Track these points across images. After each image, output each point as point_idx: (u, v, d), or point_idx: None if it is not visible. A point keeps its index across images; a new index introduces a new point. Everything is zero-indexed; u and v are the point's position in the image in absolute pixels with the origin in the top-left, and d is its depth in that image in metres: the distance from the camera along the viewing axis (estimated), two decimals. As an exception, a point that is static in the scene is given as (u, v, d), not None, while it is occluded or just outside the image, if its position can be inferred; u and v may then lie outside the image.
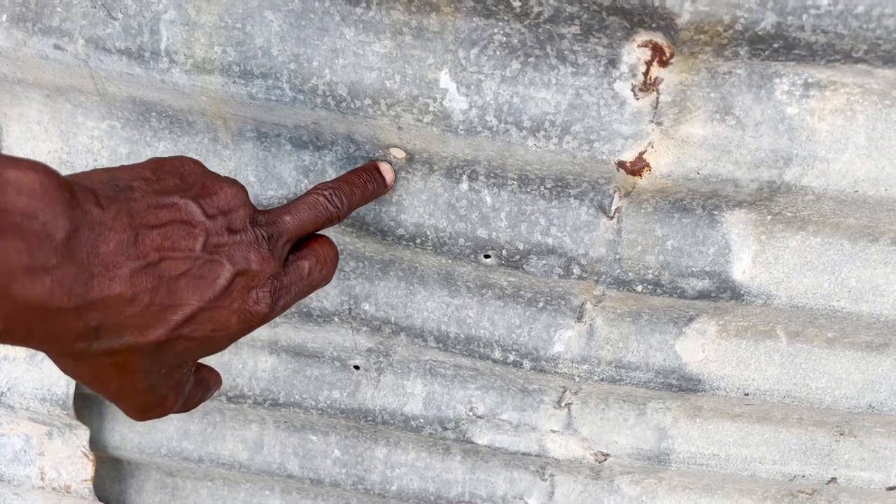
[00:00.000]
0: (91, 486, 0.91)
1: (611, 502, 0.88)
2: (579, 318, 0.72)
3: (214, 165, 0.67)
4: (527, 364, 0.75)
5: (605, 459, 0.82)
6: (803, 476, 0.81)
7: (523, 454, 0.84)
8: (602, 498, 0.88)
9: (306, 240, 0.48)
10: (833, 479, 0.81)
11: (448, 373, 0.81)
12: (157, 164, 0.38)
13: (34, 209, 0.28)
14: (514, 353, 0.75)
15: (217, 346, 0.39)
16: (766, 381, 0.72)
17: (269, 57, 0.58)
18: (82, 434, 0.89)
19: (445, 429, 0.83)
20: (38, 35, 0.59)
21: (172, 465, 0.95)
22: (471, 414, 0.82)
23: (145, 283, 0.33)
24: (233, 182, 0.41)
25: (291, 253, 0.45)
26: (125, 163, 0.68)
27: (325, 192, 0.48)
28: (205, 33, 0.58)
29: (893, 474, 0.80)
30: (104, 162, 0.68)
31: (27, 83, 0.65)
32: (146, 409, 0.40)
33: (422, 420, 0.83)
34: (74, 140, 0.68)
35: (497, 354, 0.75)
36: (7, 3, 0.59)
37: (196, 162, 0.40)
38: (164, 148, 0.67)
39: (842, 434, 0.79)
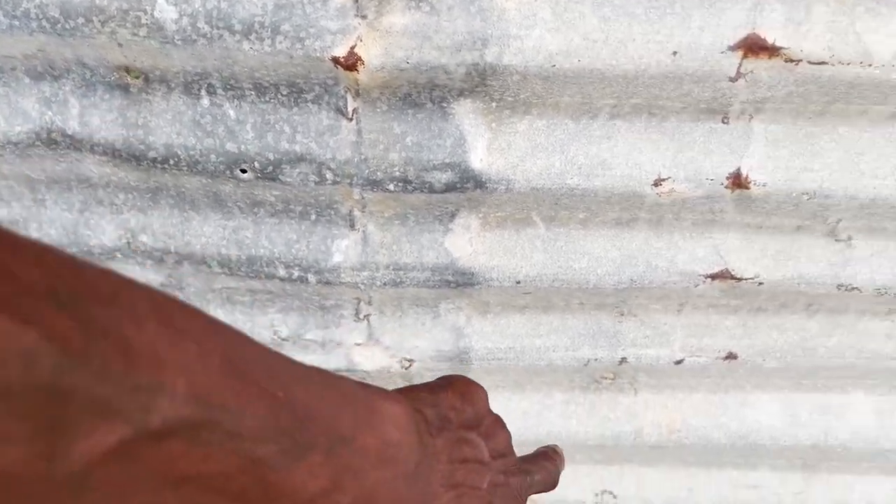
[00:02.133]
0: None
1: (430, 410, 0.92)
2: (352, 227, 0.75)
3: (-46, 105, 0.67)
4: (312, 278, 0.78)
5: (411, 365, 0.86)
6: (596, 359, 0.86)
7: (335, 370, 0.87)
8: (421, 407, 0.92)
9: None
10: (624, 360, 0.86)
11: (245, 299, 0.83)
12: (462, 391, 0.44)
13: (403, 441, 0.34)
14: (297, 268, 0.77)
15: None
16: (533, 268, 0.76)
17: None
18: None
19: (254, 355, 0.85)
20: None
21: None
22: (276, 338, 0.84)
23: None
24: (503, 425, 0.47)
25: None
26: None
27: (553, 468, 0.54)
28: None
29: (677, 348, 0.86)
30: None
31: None
32: None
33: (229, 349, 0.85)
34: None
35: (282, 272, 0.77)
36: None
37: (485, 394, 0.46)
38: None
39: (622, 314, 0.84)
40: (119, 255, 0.78)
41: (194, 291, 0.82)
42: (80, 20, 0.59)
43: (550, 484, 0.55)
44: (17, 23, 0.60)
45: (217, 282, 0.80)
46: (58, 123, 0.67)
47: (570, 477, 1.00)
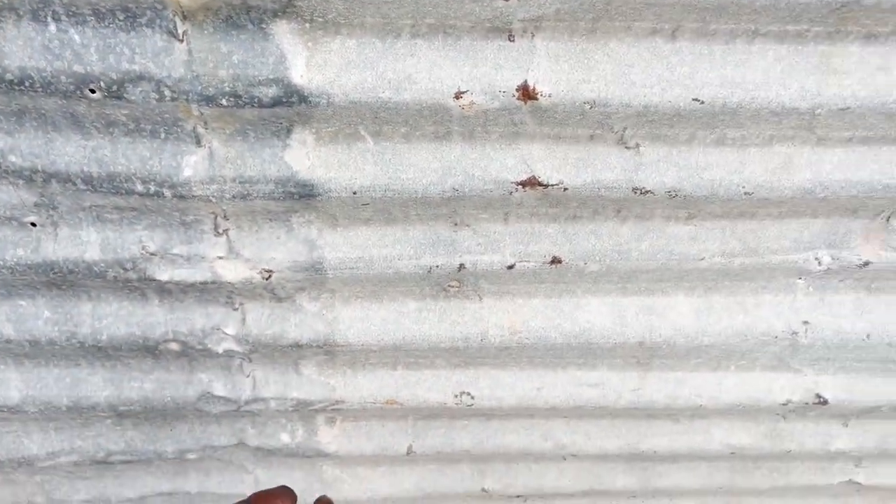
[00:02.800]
0: None
1: (296, 320, 1.02)
2: (198, 143, 0.84)
3: None
4: (167, 193, 0.87)
5: (270, 276, 0.95)
6: (437, 266, 0.97)
7: (202, 283, 0.96)
8: (288, 317, 1.02)
9: None
10: (462, 266, 0.97)
11: (114, 217, 0.92)
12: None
13: None
14: (153, 183, 0.86)
15: None
16: (366, 179, 0.87)
17: None
18: None
19: (126, 270, 0.95)
20: None
21: None
22: (145, 252, 0.93)
23: None
24: None
25: None
26: None
27: None
28: None
29: (508, 254, 0.97)
30: None
31: None
32: None
33: (103, 265, 0.94)
34: None
35: (140, 187, 0.86)
36: None
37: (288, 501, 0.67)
38: None
39: (456, 224, 0.94)
40: (-9, 176, 0.87)
41: (66, 210, 0.91)
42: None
43: None
44: None
45: (85, 199, 0.89)
46: (-81, 49, 0.75)
47: (431, 381, 1.12)
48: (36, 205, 0.90)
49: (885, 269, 1.03)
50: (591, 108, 0.80)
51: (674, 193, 0.89)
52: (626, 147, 0.86)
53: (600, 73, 0.79)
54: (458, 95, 0.79)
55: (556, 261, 0.97)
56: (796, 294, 1.06)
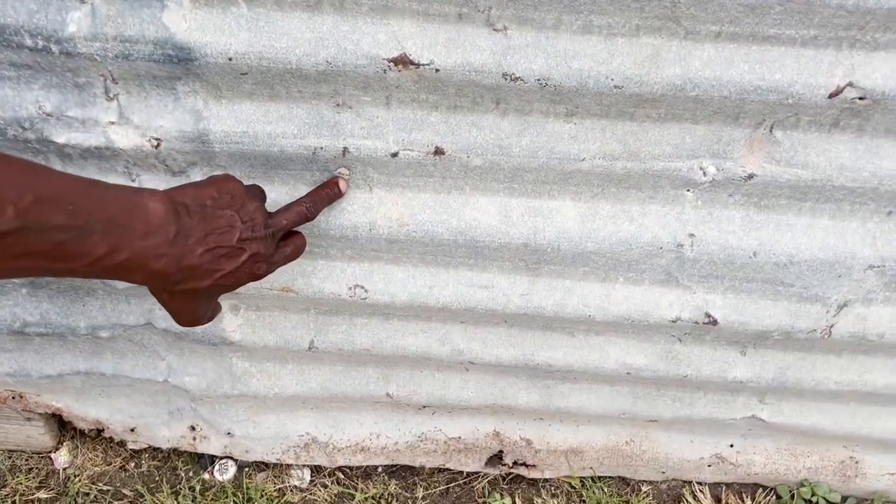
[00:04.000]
0: None
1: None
2: (82, 0, 0.88)
3: None
4: (55, 48, 0.91)
5: (159, 144, 0.99)
6: (321, 148, 1.00)
7: (97, 148, 1.00)
8: (182, 192, 1.06)
9: (290, 232, 0.88)
10: (346, 150, 1.00)
11: (11, 74, 0.96)
12: (219, 185, 0.72)
13: (161, 223, 0.60)
14: (40, 38, 0.90)
15: (236, 287, 0.73)
16: (241, 46, 0.90)
17: None
18: None
19: (25, 129, 0.99)
20: None
21: None
22: (42, 112, 0.98)
23: (207, 259, 0.65)
24: (256, 197, 0.80)
25: (281, 240, 0.84)
26: None
27: (307, 205, 0.90)
28: None
29: (391, 141, 1.00)
30: None
31: None
32: (194, 321, 0.75)
33: (2, 122, 0.99)
34: None
35: (29, 42, 0.91)
36: None
37: (238, 184, 0.76)
38: None
39: (339, 106, 0.97)
40: None
41: (-34, 64, 0.95)
42: None
43: (298, 253, 0.89)
44: None
45: (-19, 53, 0.94)
46: None
47: (326, 271, 1.15)
48: (-63, 56, 0.95)
49: (771, 183, 1.03)
50: (451, -19, 0.82)
51: (544, 83, 0.91)
52: (494, 29, 0.88)
53: (458, -56, 0.81)
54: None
55: (438, 151, 1.00)
56: (684, 206, 1.07)
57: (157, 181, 1.06)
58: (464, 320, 1.21)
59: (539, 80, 0.91)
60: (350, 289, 1.15)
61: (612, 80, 0.91)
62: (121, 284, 1.17)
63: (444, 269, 1.14)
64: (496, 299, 1.14)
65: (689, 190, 1.05)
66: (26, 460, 1.52)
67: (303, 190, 1.06)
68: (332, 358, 1.29)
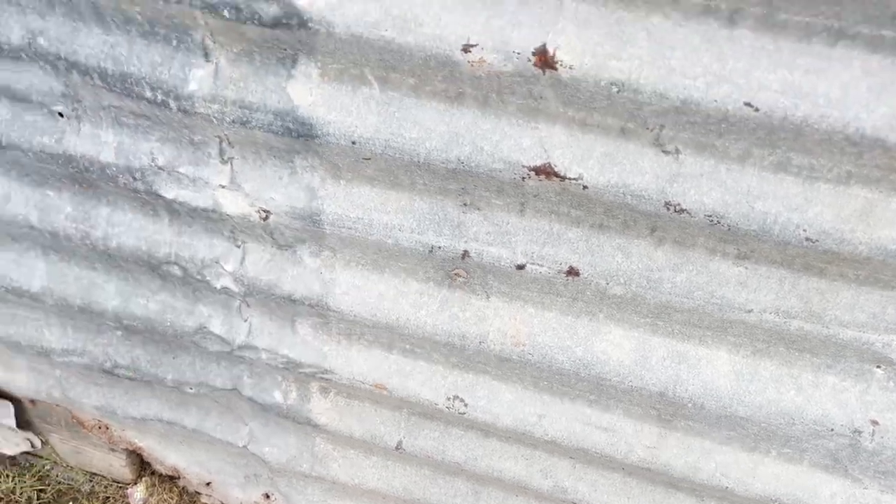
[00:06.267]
0: None
1: (294, 272, 0.97)
2: (206, 58, 0.80)
3: None
4: (172, 104, 0.84)
5: (268, 217, 0.90)
6: (440, 247, 0.87)
7: (204, 210, 0.93)
8: (286, 267, 0.97)
9: None
10: (466, 253, 0.87)
11: (130, 122, 0.90)
12: None
13: None
14: (160, 91, 0.84)
15: None
16: (367, 129, 0.79)
17: None
18: None
19: (135, 178, 0.93)
20: None
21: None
22: (154, 164, 0.91)
23: None
24: None
25: None
26: None
27: None
28: None
29: (519, 252, 0.86)
30: None
31: None
32: None
33: (115, 168, 0.93)
34: None
35: (148, 93, 0.84)
36: None
37: None
38: None
39: (466, 205, 0.84)
40: (24, 56, 0.88)
41: (89, 106, 0.91)
42: None
43: None
44: None
45: (104, 98, 0.88)
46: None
47: (425, 375, 1.02)
48: (63, 95, 0.90)
49: None
50: (619, 91, 0.67)
51: (715, 220, 0.73)
52: (663, 151, 0.72)
53: (635, 50, 0.66)
54: (466, 48, 0.69)
55: (573, 272, 0.85)
56: (870, 385, 0.86)
57: (262, 252, 0.97)
58: (574, 457, 1.03)
59: (710, 216, 0.74)
60: (448, 399, 1.01)
61: (805, 231, 0.72)
62: (213, 346, 1.09)
63: (559, 400, 0.97)
64: (617, 445, 0.97)
65: (879, 367, 0.84)
66: (105, 487, 1.49)
67: (413, 287, 0.94)
68: (419, 461, 1.15)
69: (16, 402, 1.39)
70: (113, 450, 1.45)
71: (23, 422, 1.43)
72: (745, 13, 0.63)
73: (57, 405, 1.36)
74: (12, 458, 1.56)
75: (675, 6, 0.64)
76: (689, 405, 0.90)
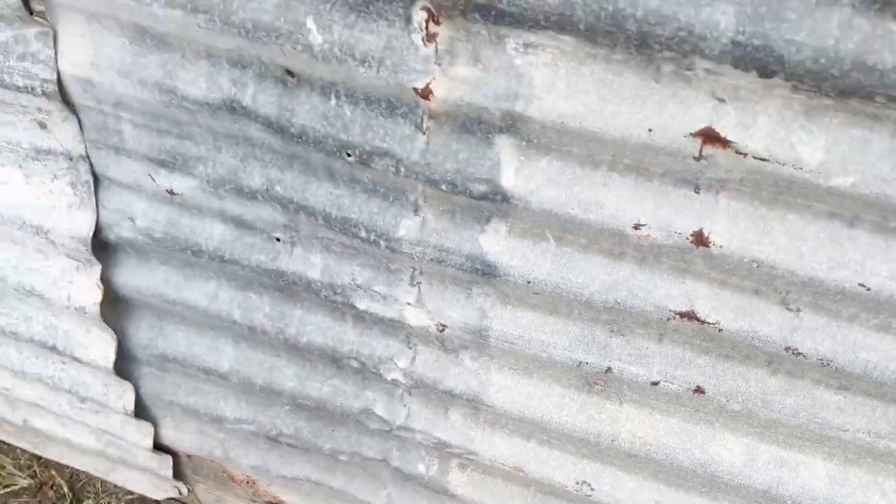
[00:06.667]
0: (98, 307, 1.28)
1: (455, 372, 1.17)
2: (416, 212, 1.02)
3: (183, 74, 1.02)
4: (382, 243, 1.06)
5: (444, 329, 1.12)
6: (587, 363, 1.07)
7: (390, 319, 1.15)
8: (449, 367, 1.18)
9: None
10: (609, 369, 1.07)
11: (337, 250, 1.13)
12: None
13: None
14: (373, 233, 1.06)
15: None
16: (541, 273, 1.00)
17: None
18: (96, 269, 1.27)
19: (336, 293, 1.15)
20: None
21: (157, 305, 1.31)
22: (353, 283, 1.13)
23: None
24: None
25: None
26: (130, 67, 1.04)
27: None
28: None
29: (655, 372, 1.06)
30: (118, 64, 1.05)
31: (74, 8, 1.02)
32: None
33: (319, 284, 1.15)
34: (100, 50, 1.05)
35: (363, 234, 1.06)
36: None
37: None
38: (154, 60, 1.03)
39: (613, 332, 1.05)
40: (259, 198, 1.11)
41: (304, 235, 1.13)
42: (263, 33, 0.92)
43: None
44: (226, 27, 0.93)
45: (320, 232, 1.11)
46: (238, 97, 1.01)
47: (557, 462, 1.21)
48: (284, 226, 1.13)
49: None
50: (758, 266, 0.88)
51: (826, 363, 0.93)
52: (787, 308, 0.92)
53: (773, 239, 0.86)
54: (637, 227, 0.90)
55: (699, 390, 1.04)
56: (945, 495, 1.04)
57: (431, 353, 1.18)
58: (681, 537, 1.22)
59: (821, 360, 0.93)
60: (577, 483, 1.20)
61: (900, 376, 0.91)
62: (373, 425, 1.29)
63: (675, 490, 1.16)
64: (722, 531, 1.15)
65: (954, 480, 1.02)
66: (239, 535, 1.69)
67: (556, 391, 1.14)
68: (540, 531, 1.34)
69: (174, 455, 1.60)
70: (254, 502, 1.65)
71: (176, 472, 1.64)
72: (862, 219, 0.83)
73: (211, 461, 1.58)
74: (157, 502, 1.77)
75: (808, 209, 0.85)
76: (789, 502, 1.08)
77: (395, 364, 1.19)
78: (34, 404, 1.59)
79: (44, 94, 1.10)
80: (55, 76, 1.08)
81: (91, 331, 1.35)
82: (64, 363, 1.45)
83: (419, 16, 0.85)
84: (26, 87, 1.10)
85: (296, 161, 1.05)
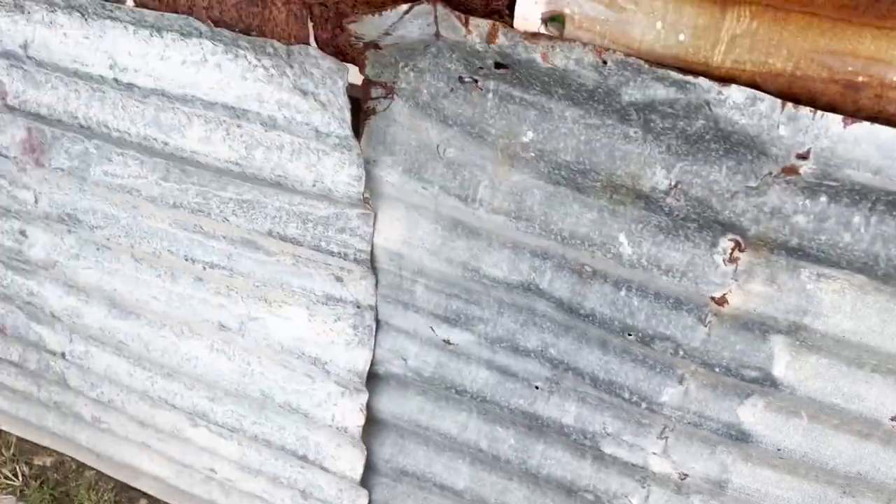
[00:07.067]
0: (361, 429, 1.49)
1: (686, 512, 1.34)
2: (680, 382, 1.21)
3: (487, 258, 1.23)
4: (643, 404, 1.25)
5: (686, 478, 1.29)
6: (818, 518, 1.24)
7: (632, 465, 1.33)
8: (680, 508, 1.35)
9: None
10: (838, 525, 1.23)
11: (593, 402, 1.32)
12: None
13: None
14: (636, 395, 1.25)
15: None
16: (791, 443, 1.17)
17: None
18: (363, 396, 1.48)
19: (585, 438, 1.34)
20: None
21: (404, 427, 1.51)
22: (603, 431, 1.32)
23: None
24: None
25: None
26: (440, 247, 1.26)
27: None
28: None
29: (881, 530, 1.22)
30: (428, 245, 1.27)
31: (397, 199, 1.25)
32: None
33: (570, 429, 1.34)
34: (414, 231, 1.27)
35: (627, 395, 1.25)
36: None
37: None
38: (462, 244, 1.25)
39: (845, 493, 1.21)
40: (532, 355, 1.31)
41: (564, 388, 1.32)
42: (577, 241, 1.12)
43: None
44: (544, 233, 1.14)
45: (579, 386, 1.30)
46: (536, 281, 1.21)
47: None
48: (546, 378, 1.33)
49: None
50: None
51: None
52: None
53: None
54: (893, 419, 1.07)
55: (921, 550, 1.19)
56: None
57: (663, 493, 1.35)
58: None
59: None
60: None
61: None
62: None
63: None
64: None
65: None
66: None
67: (781, 536, 1.30)
68: None
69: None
70: None
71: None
72: None
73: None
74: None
75: None
76: None
77: (629, 500, 1.36)
78: (253, 495, 1.79)
79: (355, 260, 1.32)
80: (369, 248, 1.30)
81: (341, 445, 1.56)
82: (303, 467, 1.65)
83: (727, 244, 1.05)
84: (340, 254, 1.33)
85: (572, 331, 1.25)
